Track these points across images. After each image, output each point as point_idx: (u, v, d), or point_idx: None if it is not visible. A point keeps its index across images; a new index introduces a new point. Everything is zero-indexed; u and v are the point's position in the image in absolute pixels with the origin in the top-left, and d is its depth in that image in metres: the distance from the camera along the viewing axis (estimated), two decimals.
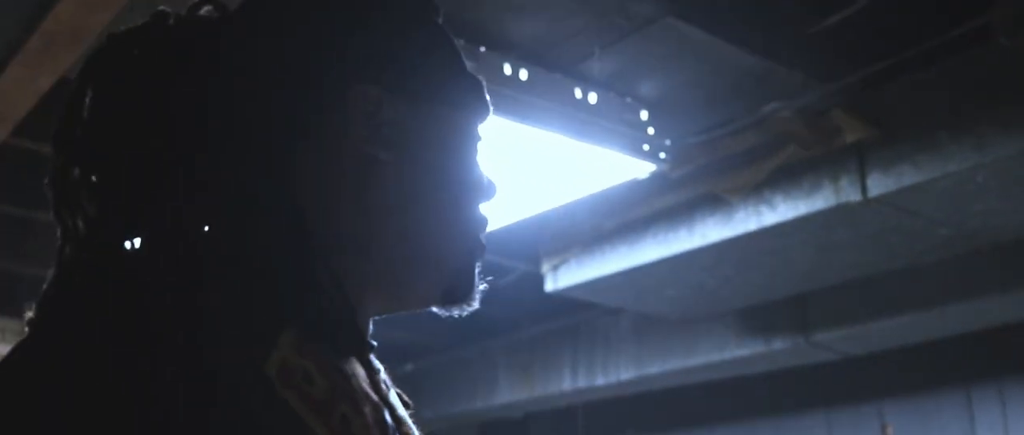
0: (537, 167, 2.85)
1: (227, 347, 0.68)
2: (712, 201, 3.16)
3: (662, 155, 2.84)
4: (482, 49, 2.51)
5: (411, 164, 0.83)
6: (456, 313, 0.90)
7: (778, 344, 3.85)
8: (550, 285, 3.64)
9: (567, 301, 4.00)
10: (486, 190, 0.90)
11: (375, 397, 0.76)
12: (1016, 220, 3.00)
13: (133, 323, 0.68)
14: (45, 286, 0.76)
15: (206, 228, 0.76)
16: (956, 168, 2.66)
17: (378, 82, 0.82)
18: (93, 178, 0.78)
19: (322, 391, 0.70)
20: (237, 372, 0.67)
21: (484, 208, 0.91)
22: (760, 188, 3.04)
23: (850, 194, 2.86)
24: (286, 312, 0.72)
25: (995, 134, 2.62)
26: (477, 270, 0.90)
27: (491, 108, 0.91)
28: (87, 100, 0.80)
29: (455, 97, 0.88)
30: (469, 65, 0.91)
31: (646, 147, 2.80)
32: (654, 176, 2.96)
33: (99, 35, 2.18)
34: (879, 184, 2.81)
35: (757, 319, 3.91)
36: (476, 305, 0.89)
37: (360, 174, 0.81)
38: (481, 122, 0.91)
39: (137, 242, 0.77)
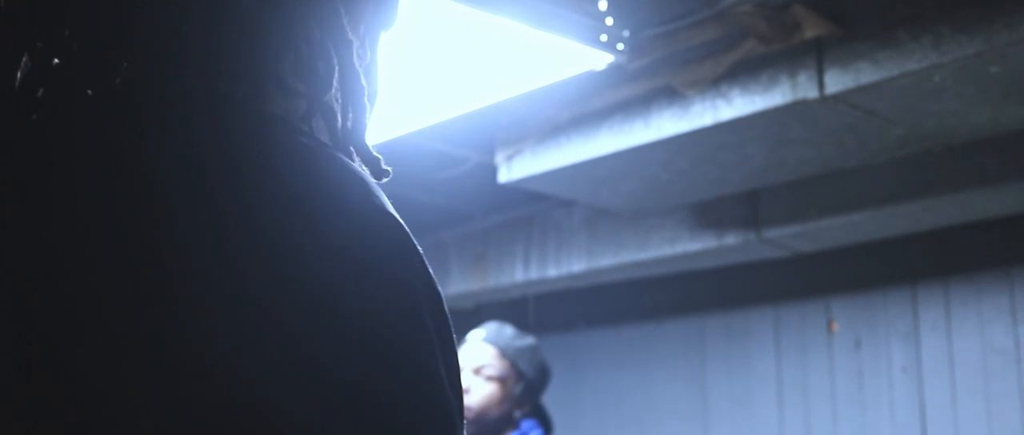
0: (493, 56, 2.80)
1: None
2: (669, 94, 3.14)
3: (620, 46, 2.80)
4: None
5: None
6: None
7: (730, 239, 3.87)
8: (504, 176, 3.62)
9: (520, 192, 3.99)
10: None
11: None
12: (969, 121, 3.01)
13: None
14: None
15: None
16: (915, 67, 2.65)
17: None
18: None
19: None
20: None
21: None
22: (718, 82, 3.02)
23: (807, 90, 2.85)
24: None
25: (954, 34, 2.61)
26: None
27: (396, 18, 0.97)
28: None
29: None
30: None
31: (604, 38, 2.76)
32: (611, 68, 2.93)
33: None
34: (836, 81, 2.80)
35: (710, 214, 3.92)
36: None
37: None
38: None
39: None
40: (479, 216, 4.71)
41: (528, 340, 3.32)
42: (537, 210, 4.50)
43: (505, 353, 3.23)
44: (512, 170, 3.60)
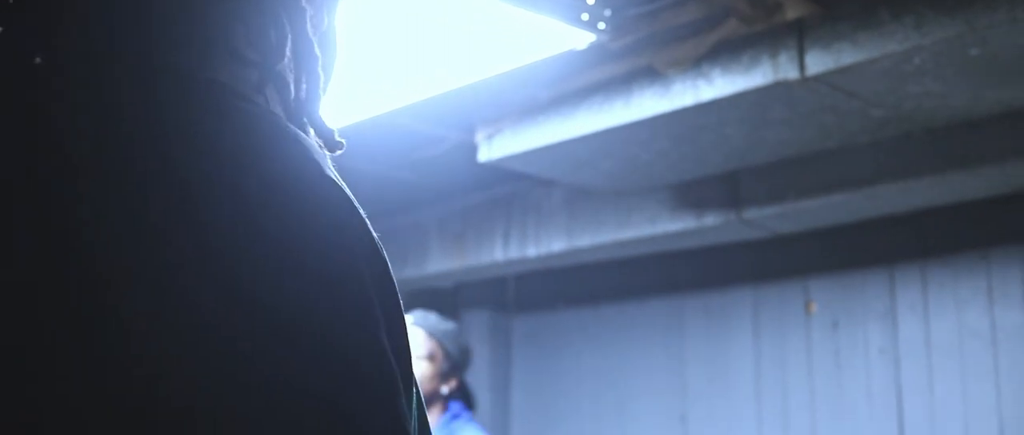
0: (473, 35, 2.79)
1: None
2: (650, 74, 3.13)
3: (601, 26, 2.79)
4: None
5: None
6: None
7: (710, 220, 3.88)
8: (484, 155, 3.61)
9: (500, 171, 3.98)
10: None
11: None
12: (949, 104, 3.02)
13: None
14: None
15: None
16: (896, 48, 2.65)
17: None
18: None
19: None
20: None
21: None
22: (699, 62, 3.01)
23: (788, 71, 2.85)
24: None
25: (936, 15, 2.61)
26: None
27: None
28: None
29: None
30: None
31: (585, 17, 2.75)
32: (593, 47, 2.92)
33: None
34: (817, 62, 2.80)
35: (690, 194, 3.92)
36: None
37: None
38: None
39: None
40: (459, 195, 4.70)
41: (451, 324, 3.74)
42: (517, 189, 4.49)
43: (432, 334, 3.60)
44: (492, 149, 3.59)
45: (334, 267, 0.71)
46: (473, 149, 3.67)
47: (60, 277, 0.69)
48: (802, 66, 2.82)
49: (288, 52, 0.86)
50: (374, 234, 0.77)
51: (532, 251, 4.43)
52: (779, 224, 3.90)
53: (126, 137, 0.72)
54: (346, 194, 0.76)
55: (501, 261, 4.56)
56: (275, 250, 0.69)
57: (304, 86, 0.88)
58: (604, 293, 4.88)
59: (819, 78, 2.83)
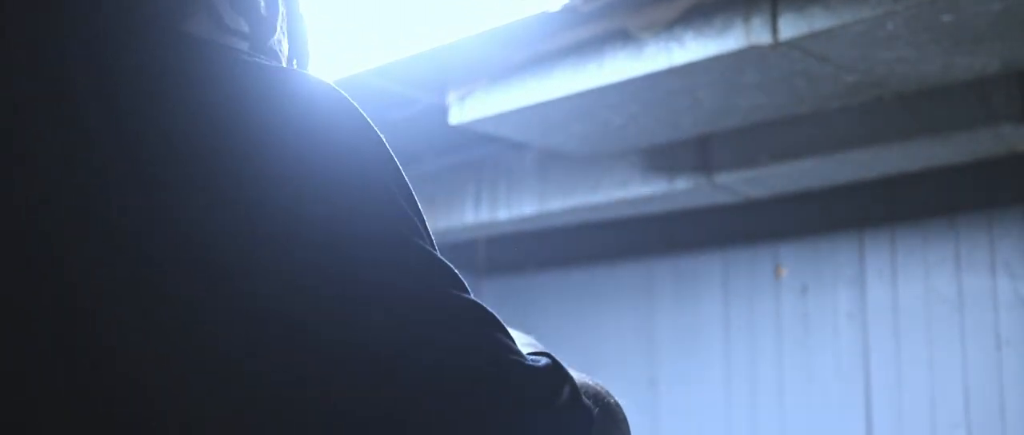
0: None
1: None
2: (623, 37, 3.12)
3: None
4: None
5: None
6: None
7: (681, 184, 3.88)
8: (455, 117, 3.59)
9: (471, 134, 3.97)
10: None
11: None
12: (921, 70, 3.02)
13: None
14: None
15: None
16: (869, 13, 2.65)
17: None
18: None
19: None
20: None
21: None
22: (672, 26, 3.00)
23: (760, 36, 2.84)
24: None
25: None
26: None
27: None
28: None
29: None
30: None
31: None
32: (565, 9, 2.90)
33: None
34: (790, 27, 2.80)
35: (661, 158, 3.92)
36: None
37: None
38: None
39: None
40: (429, 158, 4.68)
41: None
42: (488, 152, 4.47)
43: None
44: (464, 112, 3.57)
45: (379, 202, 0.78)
46: (444, 111, 3.65)
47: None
48: (775, 30, 2.82)
49: (280, 26, 0.85)
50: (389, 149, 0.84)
51: (503, 214, 4.42)
52: (750, 188, 3.91)
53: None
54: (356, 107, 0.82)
55: (472, 224, 4.55)
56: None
57: (295, 62, 0.87)
58: (574, 256, 4.89)
59: (792, 43, 2.82)
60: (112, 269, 0.69)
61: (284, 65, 0.85)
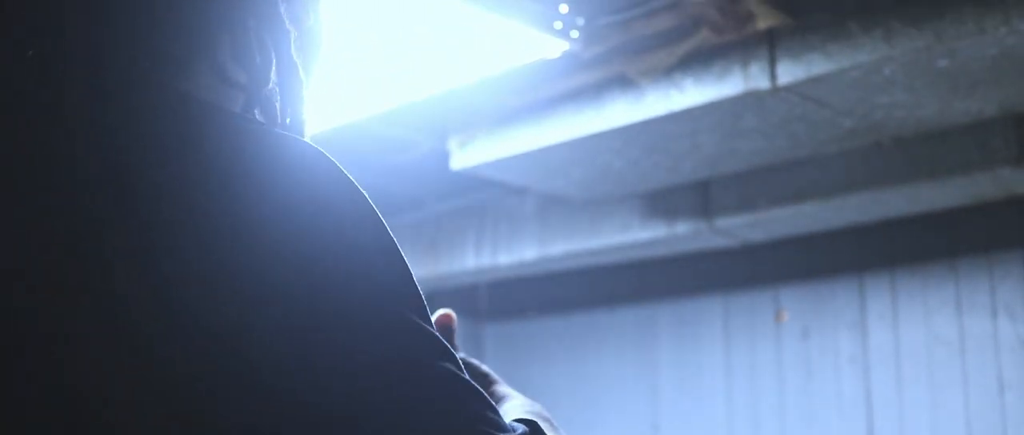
0: (447, 42, 2.79)
1: None
2: (622, 83, 3.14)
3: (574, 34, 2.80)
4: None
5: None
6: None
7: (681, 228, 3.89)
8: (456, 162, 3.61)
9: (473, 179, 3.98)
10: None
11: None
12: (918, 114, 3.04)
13: None
14: None
15: None
16: (866, 59, 2.67)
17: None
18: None
19: None
20: None
21: None
22: (671, 71, 3.02)
23: (759, 81, 2.86)
24: None
25: (904, 27, 2.63)
26: None
27: None
28: None
29: None
30: None
31: (558, 25, 2.76)
32: (565, 56, 2.93)
33: None
34: (788, 72, 2.82)
35: (661, 203, 3.94)
36: None
37: None
38: None
39: None
40: (431, 202, 4.69)
41: None
42: (489, 197, 4.49)
43: None
44: (465, 156, 3.59)
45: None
46: (446, 156, 3.66)
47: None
48: (773, 76, 2.84)
49: (273, 76, 0.86)
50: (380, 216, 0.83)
51: (504, 259, 4.43)
52: (750, 233, 3.92)
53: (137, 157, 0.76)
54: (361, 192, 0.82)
55: (473, 269, 4.55)
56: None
57: (289, 112, 0.88)
58: (576, 301, 4.89)
59: (790, 88, 2.84)
60: (102, 337, 0.72)
61: (277, 113, 0.87)
